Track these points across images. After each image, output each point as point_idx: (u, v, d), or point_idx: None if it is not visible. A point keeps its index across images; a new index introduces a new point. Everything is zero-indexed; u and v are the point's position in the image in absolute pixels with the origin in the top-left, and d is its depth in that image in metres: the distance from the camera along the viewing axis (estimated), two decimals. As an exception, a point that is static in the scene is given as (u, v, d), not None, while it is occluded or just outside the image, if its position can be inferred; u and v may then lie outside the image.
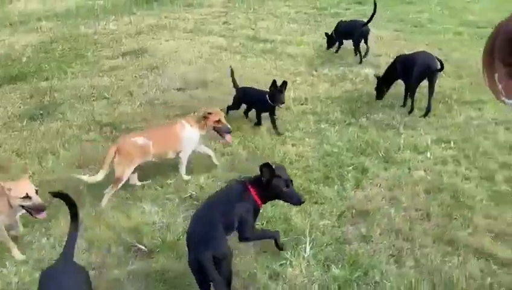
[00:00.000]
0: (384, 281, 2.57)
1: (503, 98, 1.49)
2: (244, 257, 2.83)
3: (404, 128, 4.37)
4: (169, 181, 3.74)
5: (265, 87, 4.49)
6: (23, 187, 2.85)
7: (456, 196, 3.29)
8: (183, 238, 2.85)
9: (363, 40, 6.19)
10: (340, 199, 3.36)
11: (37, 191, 2.90)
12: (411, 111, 4.67)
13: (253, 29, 8.13)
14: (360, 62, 6.15)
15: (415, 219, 3.10)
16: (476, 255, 2.74)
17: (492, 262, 2.67)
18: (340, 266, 2.71)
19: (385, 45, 6.86)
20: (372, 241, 2.91)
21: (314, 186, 3.51)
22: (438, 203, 3.24)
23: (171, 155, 3.69)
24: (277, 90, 4.29)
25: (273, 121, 4.45)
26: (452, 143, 4.05)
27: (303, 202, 2.70)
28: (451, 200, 3.26)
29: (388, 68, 4.91)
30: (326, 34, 6.57)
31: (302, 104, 5.07)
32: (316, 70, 6.04)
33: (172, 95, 5.52)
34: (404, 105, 4.80)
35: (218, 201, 2.60)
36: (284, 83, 4.34)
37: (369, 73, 5.73)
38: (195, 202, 3.40)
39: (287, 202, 2.74)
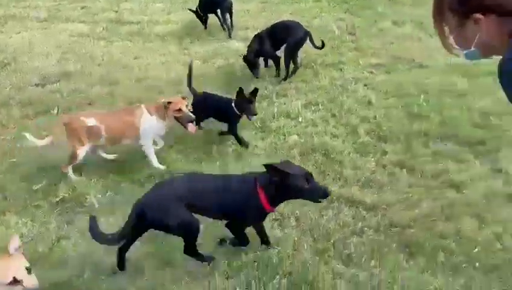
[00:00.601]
0: (274, 247, 2.64)
1: (456, 50, 1.53)
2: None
3: (277, 96, 4.52)
4: (35, 187, 3.38)
5: (137, 71, 4.22)
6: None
7: (327, 154, 3.52)
8: (57, 245, 2.62)
9: (228, 14, 6.22)
10: (222, 175, 3.37)
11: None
12: (285, 79, 4.85)
13: (116, 11, 7.64)
14: (229, 36, 6.18)
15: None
16: (347, 204, 2.98)
17: (361, 208, 2.93)
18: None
19: (252, 18, 6.97)
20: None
21: (195, 166, 3.48)
22: (312, 163, 3.43)
23: (127, 142, 3.59)
24: (245, 100, 3.66)
25: (235, 134, 3.77)
26: (320, 105, 4.31)
27: (329, 193, 2.38)
28: (323, 158, 3.48)
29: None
30: (190, 10, 6.45)
31: (176, 85, 4.94)
32: (187, 49, 5.92)
33: (29, 92, 4.97)
34: (277, 75, 4.95)
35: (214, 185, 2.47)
36: (255, 91, 3.73)
37: (239, 46, 5.79)
38: (67, 205, 3.15)
39: (309, 199, 2.43)
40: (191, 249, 2.51)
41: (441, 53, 5.19)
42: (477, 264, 2.41)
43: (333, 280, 2.38)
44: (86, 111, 3.86)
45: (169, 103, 3.49)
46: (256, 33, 5.09)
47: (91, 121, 3.39)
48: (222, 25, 6.27)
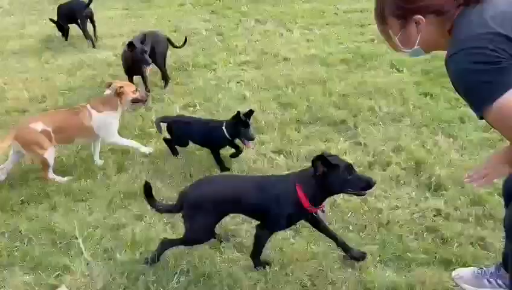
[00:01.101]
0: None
1: (401, 49, 1.65)
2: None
3: (153, 102, 4.49)
4: None
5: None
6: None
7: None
8: None
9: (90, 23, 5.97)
10: (106, 188, 3.26)
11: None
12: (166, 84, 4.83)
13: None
14: (93, 46, 5.93)
15: (178, 184, 3.28)
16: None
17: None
18: (123, 251, 2.66)
19: (117, 25, 6.78)
20: (145, 217, 2.95)
21: (75, 185, 3.31)
22: (196, 161, 3.52)
23: (81, 141, 3.59)
24: (241, 123, 3.25)
25: (218, 160, 3.42)
26: (198, 106, 4.40)
27: (374, 183, 2.22)
28: (208, 155, 3.58)
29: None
30: (51, 20, 6.04)
31: (41, 103, 4.61)
32: (48, 63, 5.54)
33: None
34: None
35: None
36: (250, 113, 3.33)
37: (107, 55, 5.60)
38: None
39: (353, 193, 2.31)
40: (171, 245, 2.51)
41: (301, 46, 5.70)
42: (350, 227, 2.73)
43: (230, 267, 2.49)
44: (30, 117, 3.70)
45: (121, 87, 3.49)
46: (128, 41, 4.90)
47: (39, 126, 3.31)
48: (84, 35, 5.98)
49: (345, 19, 6.52)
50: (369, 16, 6.46)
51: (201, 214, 2.37)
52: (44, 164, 3.33)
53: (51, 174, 3.38)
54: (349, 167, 2.22)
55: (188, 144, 3.52)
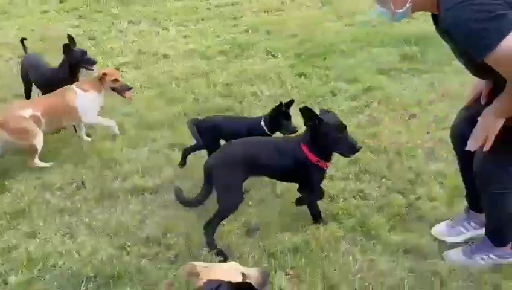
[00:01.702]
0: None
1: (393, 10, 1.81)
2: None
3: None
4: None
5: None
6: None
7: (101, 157, 3.53)
8: None
9: None
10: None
11: None
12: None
13: None
14: None
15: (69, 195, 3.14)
16: (133, 195, 3.10)
17: (146, 193, 3.10)
18: (18, 272, 2.48)
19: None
20: (39, 233, 2.78)
21: None
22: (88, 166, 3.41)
23: (69, 124, 3.69)
24: (283, 115, 2.98)
25: None
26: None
27: (359, 149, 2.44)
28: (100, 161, 3.47)
29: None
30: None
31: None
32: None
33: None
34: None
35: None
36: (290, 103, 3.05)
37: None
38: None
39: (340, 152, 2.49)
40: (213, 225, 2.49)
41: (179, 42, 5.74)
42: (250, 202, 2.91)
43: (140, 263, 2.49)
44: (17, 103, 3.66)
45: (104, 74, 3.55)
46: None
47: (28, 112, 3.32)
48: None
49: (218, 13, 6.70)
50: (240, 9, 6.77)
51: (231, 173, 2.47)
52: (32, 151, 3.34)
53: (36, 161, 3.40)
54: (339, 127, 2.42)
55: (220, 146, 3.03)
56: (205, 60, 5.15)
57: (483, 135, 1.91)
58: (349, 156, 2.62)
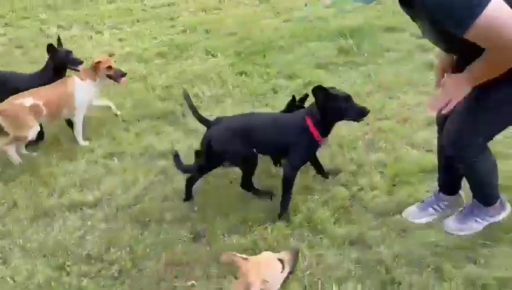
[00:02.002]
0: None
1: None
2: None
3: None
4: None
5: None
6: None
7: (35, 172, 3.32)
8: None
9: None
10: None
11: None
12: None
13: None
14: None
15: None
16: (72, 211, 2.93)
17: (85, 208, 2.95)
18: None
19: None
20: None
21: None
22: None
23: (66, 115, 3.62)
24: (296, 108, 2.99)
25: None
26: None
27: (368, 112, 2.63)
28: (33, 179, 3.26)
29: None
30: None
31: None
32: None
33: None
34: None
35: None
36: (305, 97, 3.09)
37: None
38: None
39: (350, 119, 2.66)
40: (247, 183, 2.73)
41: (114, 46, 5.53)
42: (195, 208, 2.84)
43: (80, 283, 2.36)
44: (18, 94, 3.41)
45: (98, 62, 3.59)
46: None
47: (29, 101, 3.33)
48: None
49: (154, 14, 6.52)
50: (177, 9, 6.63)
51: (236, 138, 2.63)
52: (20, 141, 3.39)
53: (9, 149, 3.38)
54: (346, 98, 2.59)
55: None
56: (143, 63, 4.99)
57: (446, 98, 1.89)
58: (358, 121, 2.75)
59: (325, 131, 2.65)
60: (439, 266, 2.26)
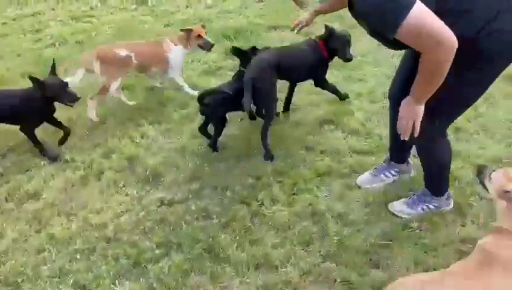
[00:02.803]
0: None
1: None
2: None
3: None
4: None
5: None
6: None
7: None
8: None
9: None
10: None
11: None
12: None
13: None
14: None
15: None
16: None
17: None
18: None
19: None
20: None
21: None
22: None
23: (152, 72, 3.87)
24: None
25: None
26: None
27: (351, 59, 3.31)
28: None
29: None
30: None
31: None
32: None
33: None
34: None
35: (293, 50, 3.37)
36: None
37: None
38: None
39: (340, 57, 3.30)
40: (264, 134, 3.03)
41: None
42: (78, 255, 2.45)
43: None
44: (115, 44, 3.78)
45: (190, 30, 3.79)
46: None
47: (123, 52, 3.59)
48: None
49: (16, 27, 5.74)
50: (42, 19, 5.98)
51: (266, 76, 3.01)
52: (104, 91, 3.62)
53: (94, 101, 3.64)
54: (345, 40, 3.26)
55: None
56: (6, 87, 4.31)
57: (408, 122, 1.98)
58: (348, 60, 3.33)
59: (331, 55, 3.33)
60: (346, 277, 2.20)
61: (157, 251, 2.43)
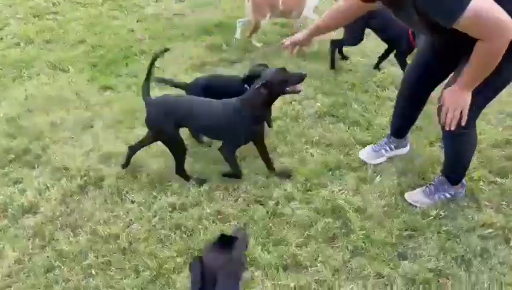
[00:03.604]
0: None
1: None
2: None
3: None
4: None
5: None
6: None
7: None
8: None
9: None
10: None
11: None
12: None
13: None
14: None
15: None
16: None
17: None
18: None
19: None
20: None
21: None
22: None
23: (294, 15, 4.41)
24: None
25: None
26: None
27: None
28: None
29: None
30: None
31: None
32: None
33: None
34: None
35: None
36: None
37: None
38: None
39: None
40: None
41: None
42: (93, 271, 2.29)
43: None
44: None
45: None
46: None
47: None
48: None
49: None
50: (0, 17, 5.48)
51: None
52: (256, 28, 4.33)
53: (253, 37, 4.42)
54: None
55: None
56: (-29, 93, 3.95)
57: (458, 111, 1.99)
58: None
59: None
60: (379, 272, 2.19)
61: (178, 259, 2.31)
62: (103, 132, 3.35)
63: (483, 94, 2.06)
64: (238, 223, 2.51)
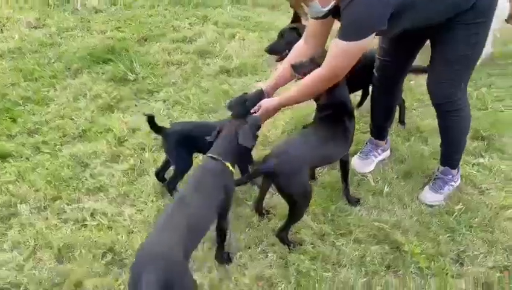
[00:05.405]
0: None
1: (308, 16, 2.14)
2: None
3: None
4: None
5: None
6: None
7: None
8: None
9: None
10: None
11: None
12: None
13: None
14: None
15: None
16: None
17: None
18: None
19: None
20: None
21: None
22: None
23: None
24: None
25: None
26: None
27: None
28: None
29: None
30: None
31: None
32: None
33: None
34: None
35: None
36: None
37: None
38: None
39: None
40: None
41: None
42: None
43: None
44: None
45: None
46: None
47: None
48: None
49: None
50: None
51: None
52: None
53: None
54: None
55: None
56: None
57: (265, 118, 2.36)
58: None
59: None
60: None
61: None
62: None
63: (469, 71, 2.25)
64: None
